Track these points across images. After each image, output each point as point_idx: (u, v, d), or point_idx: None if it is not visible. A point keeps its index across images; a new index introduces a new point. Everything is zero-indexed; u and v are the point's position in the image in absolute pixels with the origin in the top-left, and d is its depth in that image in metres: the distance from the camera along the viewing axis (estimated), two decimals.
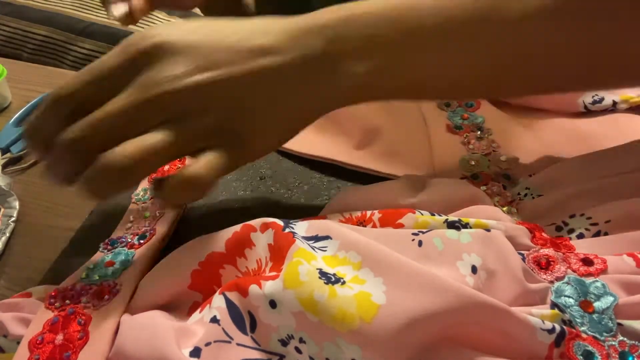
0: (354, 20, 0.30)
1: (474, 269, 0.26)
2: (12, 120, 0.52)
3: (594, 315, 0.25)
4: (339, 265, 0.26)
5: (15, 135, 0.50)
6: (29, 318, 0.28)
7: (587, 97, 0.42)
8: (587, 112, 0.43)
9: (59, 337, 0.27)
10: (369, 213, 0.31)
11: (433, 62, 0.30)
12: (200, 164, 0.28)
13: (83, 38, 1.09)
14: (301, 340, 0.24)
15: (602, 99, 0.42)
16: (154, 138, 0.27)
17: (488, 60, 0.30)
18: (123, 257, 0.31)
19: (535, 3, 0.28)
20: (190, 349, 0.24)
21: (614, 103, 0.42)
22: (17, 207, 0.41)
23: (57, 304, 0.29)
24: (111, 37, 1.07)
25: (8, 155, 0.48)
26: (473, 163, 0.38)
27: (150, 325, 0.26)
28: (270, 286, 0.25)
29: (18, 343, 0.27)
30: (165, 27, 0.29)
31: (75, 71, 0.91)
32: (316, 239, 0.28)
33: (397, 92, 0.32)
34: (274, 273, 0.27)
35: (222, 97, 0.28)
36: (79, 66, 1.08)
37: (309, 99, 0.30)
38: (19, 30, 1.13)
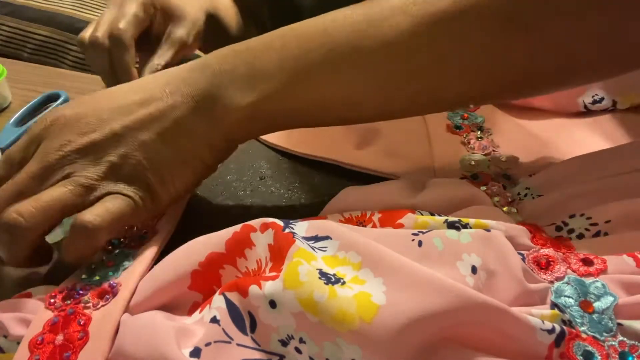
0: (238, 53, 0.31)
1: (474, 269, 0.26)
2: (12, 120, 0.52)
3: (594, 316, 0.25)
4: (339, 266, 0.26)
5: (15, 136, 0.50)
6: (29, 318, 0.28)
7: (587, 97, 0.42)
8: (587, 112, 0.43)
9: (59, 338, 0.27)
10: (369, 213, 0.31)
11: (319, 87, 0.31)
12: (92, 209, 0.29)
13: None
14: (301, 341, 0.24)
15: (602, 99, 0.42)
16: (48, 193, 0.29)
17: (374, 81, 0.31)
18: (123, 257, 0.31)
19: (403, 24, 0.29)
20: (190, 349, 0.24)
21: (614, 103, 0.42)
22: None
23: (57, 304, 0.29)
24: None
25: None
26: (473, 163, 0.38)
27: (150, 326, 0.26)
28: (270, 286, 0.25)
29: (18, 343, 0.27)
30: (62, 107, 0.32)
31: (75, 71, 0.90)
32: (316, 239, 0.28)
33: (287, 119, 0.33)
34: (274, 273, 0.27)
35: (109, 150, 0.30)
36: (79, 66, 1.08)
37: (202, 136, 0.31)
38: (19, 30, 1.13)
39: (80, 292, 0.29)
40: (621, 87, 0.42)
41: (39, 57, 1.11)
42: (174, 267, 0.29)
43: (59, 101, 0.55)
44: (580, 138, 0.41)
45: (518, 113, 0.44)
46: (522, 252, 0.28)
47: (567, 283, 0.26)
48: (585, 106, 0.43)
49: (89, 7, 1.16)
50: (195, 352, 0.24)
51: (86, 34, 0.46)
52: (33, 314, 0.28)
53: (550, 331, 0.23)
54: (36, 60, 1.07)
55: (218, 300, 0.26)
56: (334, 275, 0.25)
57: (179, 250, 0.29)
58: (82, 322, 0.27)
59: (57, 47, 1.10)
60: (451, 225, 0.29)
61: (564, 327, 0.24)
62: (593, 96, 0.43)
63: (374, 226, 0.30)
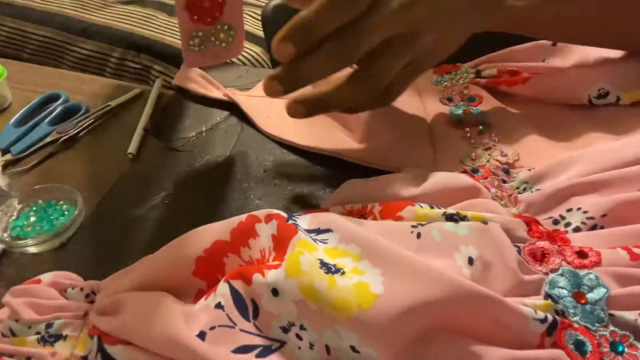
0: None
1: (470, 261, 0.26)
2: (12, 120, 0.52)
3: (587, 306, 0.25)
4: (339, 257, 0.27)
5: (15, 136, 0.50)
6: (39, 303, 0.29)
7: (593, 91, 0.42)
8: (591, 106, 0.43)
9: None
10: (369, 206, 0.32)
11: (571, 11, 0.40)
12: None
13: (83, 38, 1.09)
14: (302, 328, 0.25)
15: (607, 93, 0.42)
16: None
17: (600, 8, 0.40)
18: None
19: None
20: (196, 332, 0.25)
21: (618, 99, 0.42)
22: (17, 207, 0.41)
23: None
24: (111, 37, 1.07)
25: (8, 156, 0.48)
26: (473, 156, 0.39)
27: (160, 307, 0.26)
28: (272, 275, 0.26)
29: (29, 327, 0.28)
30: None
31: (75, 71, 0.91)
32: (318, 231, 0.29)
33: (538, 30, 0.42)
34: (276, 262, 0.28)
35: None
36: (79, 67, 1.08)
37: (474, 20, 0.38)
38: (19, 31, 1.13)
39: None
40: (628, 83, 0.42)
41: (39, 57, 1.11)
42: (180, 251, 0.29)
43: (59, 101, 0.55)
44: (582, 133, 0.41)
45: (521, 105, 0.44)
46: (519, 244, 0.29)
47: (562, 275, 0.27)
48: (589, 100, 0.43)
49: (89, 8, 1.17)
50: (200, 335, 0.25)
51: None
52: (43, 299, 0.29)
53: (543, 320, 0.24)
54: (36, 61, 1.07)
55: (223, 288, 0.27)
56: (334, 265, 0.26)
57: (185, 236, 0.30)
58: None
59: (57, 47, 1.10)
60: (449, 218, 0.30)
61: (557, 317, 0.24)
62: (599, 90, 0.42)
63: (375, 219, 0.31)
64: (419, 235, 0.28)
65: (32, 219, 0.40)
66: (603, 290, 0.25)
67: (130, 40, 1.05)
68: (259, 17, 0.86)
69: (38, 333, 0.28)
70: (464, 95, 0.46)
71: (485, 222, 0.29)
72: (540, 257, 0.28)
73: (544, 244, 0.29)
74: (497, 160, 0.39)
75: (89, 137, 0.50)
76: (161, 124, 0.48)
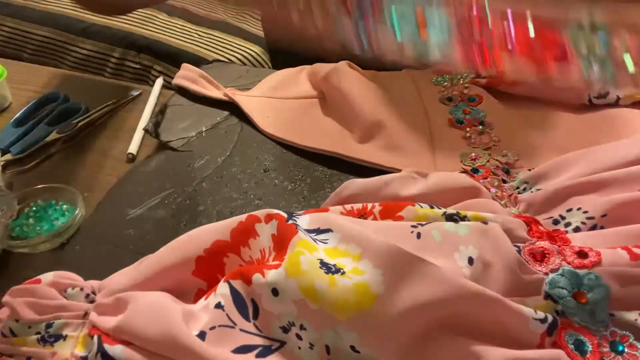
0: None
1: (470, 261, 0.26)
2: (12, 120, 0.52)
3: (587, 306, 0.25)
4: (339, 257, 0.27)
5: (15, 136, 0.50)
6: (39, 303, 0.29)
7: (593, 91, 0.43)
8: (590, 106, 0.43)
9: None
10: (369, 206, 0.32)
11: None
12: None
13: (83, 38, 1.08)
14: (302, 328, 0.25)
15: (607, 94, 0.43)
16: None
17: None
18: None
19: None
20: (196, 332, 0.25)
21: (618, 99, 0.42)
22: (17, 207, 0.41)
23: None
24: (111, 37, 1.07)
25: (8, 156, 0.48)
26: (473, 156, 0.39)
27: (160, 305, 0.27)
28: (273, 275, 0.26)
29: (29, 327, 0.28)
30: None
31: (75, 72, 0.91)
32: (318, 231, 0.29)
33: None
34: (276, 262, 0.27)
35: None
36: (79, 67, 1.08)
37: None
38: (19, 31, 1.13)
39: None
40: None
41: (39, 57, 1.11)
42: (180, 251, 0.29)
43: (58, 101, 0.55)
44: (582, 133, 0.41)
45: (521, 105, 0.44)
46: (519, 244, 0.29)
47: (562, 275, 0.27)
48: (589, 99, 0.43)
49: None
50: (200, 335, 0.25)
51: None
52: (43, 299, 0.29)
53: (543, 320, 0.24)
54: (36, 61, 1.07)
55: (223, 288, 0.27)
56: (334, 265, 0.26)
57: (185, 235, 0.30)
58: None
59: (57, 48, 1.10)
60: (449, 218, 0.30)
61: (557, 317, 0.24)
62: (599, 90, 0.43)
63: (375, 219, 0.31)
64: (419, 235, 0.28)
65: (32, 219, 0.40)
66: (603, 290, 0.25)
67: (130, 40, 1.05)
68: (259, 17, 0.86)
69: (38, 333, 0.28)
70: (464, 95, 0.46)
71: (485, 222, 0.29)
72: (540, 257, 0.28)
73: (544, 244, 0.29)
74: (497, 160, 0.39)
75: (89, 137, 0.50)
76: (161, 124, 0.48)
